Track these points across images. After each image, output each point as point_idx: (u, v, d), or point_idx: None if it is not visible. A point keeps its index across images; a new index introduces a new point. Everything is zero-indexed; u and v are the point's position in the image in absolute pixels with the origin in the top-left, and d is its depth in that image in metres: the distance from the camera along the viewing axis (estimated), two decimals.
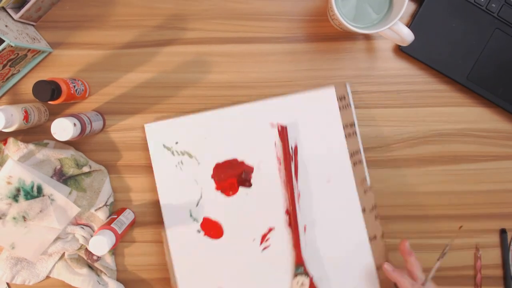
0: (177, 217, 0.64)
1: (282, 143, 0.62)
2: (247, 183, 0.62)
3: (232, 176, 0.63)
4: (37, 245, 0.62)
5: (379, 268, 0.63)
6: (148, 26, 0.63)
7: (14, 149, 0.61)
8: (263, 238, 0.63)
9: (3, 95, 0.63)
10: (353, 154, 0.63)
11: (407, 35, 0.55)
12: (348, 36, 0.64)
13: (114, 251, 0.66)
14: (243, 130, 0.63)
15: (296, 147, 0.63)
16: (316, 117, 0.63)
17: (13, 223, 0.60)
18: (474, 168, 0.67)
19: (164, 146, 0.63)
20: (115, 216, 0.61)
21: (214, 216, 0.64)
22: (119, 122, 0.65)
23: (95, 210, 0.64)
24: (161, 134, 0.63)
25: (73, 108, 0.64)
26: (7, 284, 0.66)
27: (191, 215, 0.64)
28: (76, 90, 0.58)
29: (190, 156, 0.63)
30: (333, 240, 0.63)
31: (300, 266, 0.62)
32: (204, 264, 0.64)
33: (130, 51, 0.64)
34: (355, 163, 0.63)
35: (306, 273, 0.62)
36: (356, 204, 0.63)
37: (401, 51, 0.64)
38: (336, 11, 0.55)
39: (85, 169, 0.62)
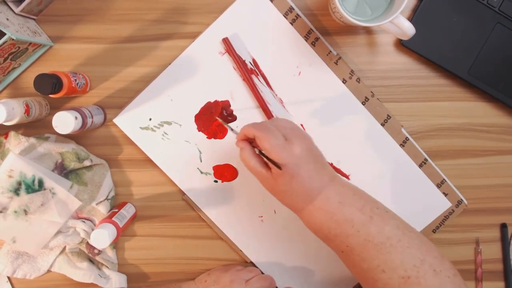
0: (192, 182, 0.65)
1: (231, 56, 0.62)
2: (231, 117, 0.63)
3: (214, 118, 0.63)
4: (38, 239, 0.62)
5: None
6: (148, 20, 0.63)
7: (15, 142, 0.61)
8: None
9: (4, 88, 0.63)
10: (307, 34, 0.63)
11: (408, 29, 0.55)
12: (349, 30, 0.64)
13: (115, 244, 0.66)
14: (198, 72, 0.63)
15: (254, 60, 0.63)
16: (254, 19, 0.62)
17: (14, 216, 0.60)
18: (474, 162, 0.67)
19: (141, 128, 0.64)
20: (116, 210, 0.61)
21: (221, 162, 0.65)
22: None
23: (96, 204, 0.64)
24: (131, 119, 0.63)
25: (74, 102, 0.64)
26: (8, 278, 0.66)
27: (201, 172, 0.65)
28: (77, 84, 0.58)
29: (169, 123, 0.64)
30: (331, 121, 0.64)
31: None
32: (238, 206, 0.66)
33: (130, 45, 0.63)
34: (313, 43, 0.63)
35: None
36: (333, 77, 0.63)
37: (402, 45, 0.64)
38: (337, 4, 0.55)
39: (86, 163, 0.63)
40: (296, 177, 0.49)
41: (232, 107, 0.64)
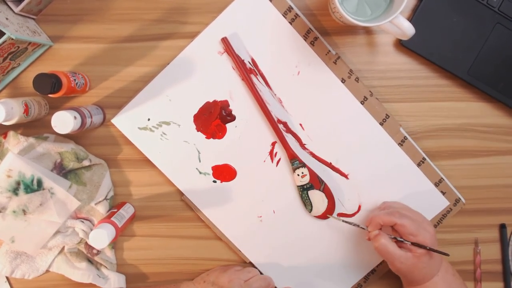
0: (190, 182, 0.65)
1: (230, 55, 0.62)
2: (229, 117, 0.63)
3: (213, 118, 0.63)
4: (37, 239, 0.61)
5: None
6: (148, 20, 0.63)
7: (14, 142, 0.61)
8: (271, 154, 0.65)
9: (4, 88, 0.63)
10: (306, 34, 0.63)
11: (408, 29, 0.55)
12: (349, 30, 0.64)
13: (114, 244, 0.66)
14: (197, 72, 0.63)
15: (253, 59, 0.63)
16: (253, 19, 0.62)
17: (13, 216, 0.60)
18: (474, 163, 0.67)
19: (139, 128, 0.64)
20: (115, 210, 0.61)
21: (220, 162, 0.65)
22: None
23: (95, 204, 0.64)
24: (130, 120, 0.63)
25: (73, 101, 0.64)
26: (7, 278, 0.66)
27: (200, 173, 0.65)
28: (76, 84, 0.58)
29: (167, 123, 0.64)
30: (329, 120, 0.64)
31: (294, 160, 0.64)
32: (237, 207, 0.66)
33: (130, 45, 0.63)
34: (312, 42, 0.63)
35: (302, 164, 0.64)
36: (332, 76, 0.63)
37: (402, 45, 0.64)
38: (337, 4, 0.55)
39: (85, 162, 0.62)
40: (433, 253, 0.58)
41: (231, 107, 0.64)
